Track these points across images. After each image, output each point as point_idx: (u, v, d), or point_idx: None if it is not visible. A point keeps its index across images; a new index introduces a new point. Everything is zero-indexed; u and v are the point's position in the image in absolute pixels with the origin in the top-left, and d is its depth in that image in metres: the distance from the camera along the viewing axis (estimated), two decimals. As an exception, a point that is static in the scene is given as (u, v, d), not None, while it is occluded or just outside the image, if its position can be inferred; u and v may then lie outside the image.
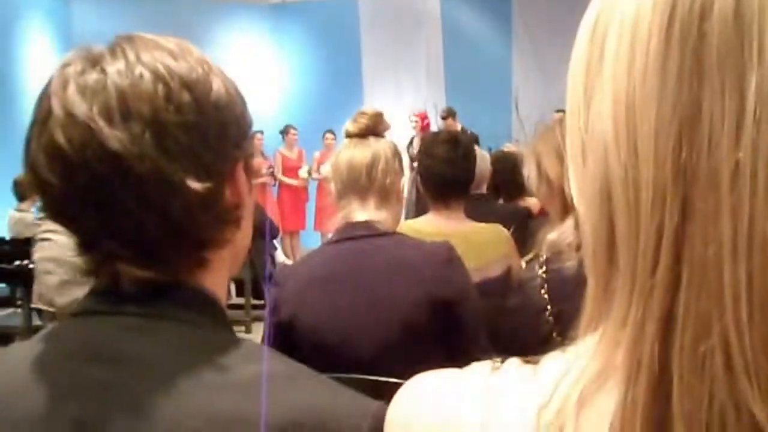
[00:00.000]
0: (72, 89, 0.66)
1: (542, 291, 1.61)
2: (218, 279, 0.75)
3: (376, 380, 1.37)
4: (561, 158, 1.66)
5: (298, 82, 10.34)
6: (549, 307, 1.59)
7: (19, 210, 6.15)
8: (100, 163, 0.63)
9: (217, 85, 0.71)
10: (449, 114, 7.90)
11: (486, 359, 0.53)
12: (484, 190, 3.12)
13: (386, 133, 1.80)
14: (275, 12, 10.66)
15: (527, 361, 0.50)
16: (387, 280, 1.61)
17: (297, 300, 1.61)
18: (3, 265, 4.55)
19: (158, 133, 0.65)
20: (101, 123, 0.63)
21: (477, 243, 2.25)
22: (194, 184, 0.66)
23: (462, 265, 1.68)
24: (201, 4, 10.07)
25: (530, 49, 9.65)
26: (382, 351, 1.55)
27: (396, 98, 8.79)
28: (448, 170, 2.29)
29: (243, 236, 0.78)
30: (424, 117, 7.84)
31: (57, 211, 0.69)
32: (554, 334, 1.55)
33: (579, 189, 0.48)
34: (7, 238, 6.01)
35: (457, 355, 1.74)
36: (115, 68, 0.67)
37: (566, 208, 1.64)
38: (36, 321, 4.12)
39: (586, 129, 0.46)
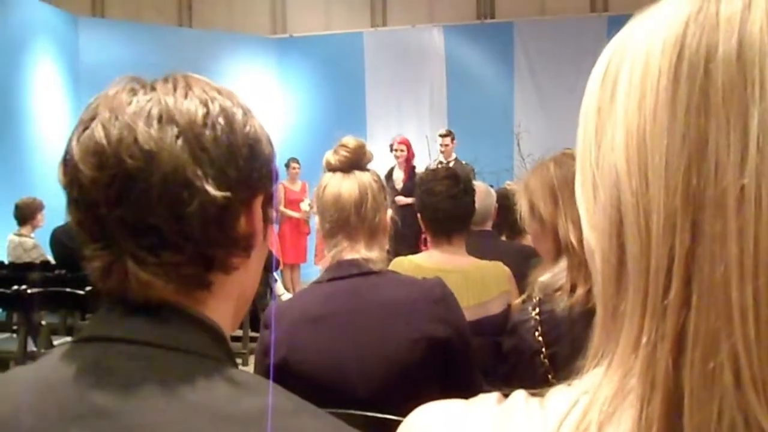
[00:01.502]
0: (121, 98, 0.72)
1: (536, 333, 1.60)
2: (221, 309, 0.76)
3: (375, 417, 1.36)
4: (555, 198, 1.65)
5: (302, 116, 10.40)
6: (543, 349, 1.58)
7: (19, 234, 6.17)
8: (131, 157, 0.68)
9: (252, 124, 0.76)
10: (448, 133, 7.47)
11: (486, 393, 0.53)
12: (489, 227, 3.10)
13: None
14: (281, 45, 10.77)
15: (533, 394, 0.51)
16: (381, 320, 1.58)
17: (289, 340, 1.57)
18: (1, 290, 4.52)
19: (190, 141, 0.70)
20: (140, 124, 0.69)
21: (477, 280, 2.25)
22: (213, 191, 0.70)
23: (455, 302, 1.67)
24: (207, 36, 10.19)
25: (532, 85, 9.73)
26: (377, 391, 1.53)
27: (399, 133, 8.85)
28: (450, 206, 2.32)
29: (249, 276, 0.80)
30: (408, 146, 7.28)
31: (82, 203, 0.71)
32: (550, 377, 1.54)
33: (590, 222, 0.50)
34: (6, 262, 6.02)
35: (452, 394, 1.76)
36: (164, 89, 0.73)
37: (558, 249, 1.64)
38: (32, 346, 4.11)
39: (597, 165, 0.48)
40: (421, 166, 9.19)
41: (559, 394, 0.49)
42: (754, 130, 0.41)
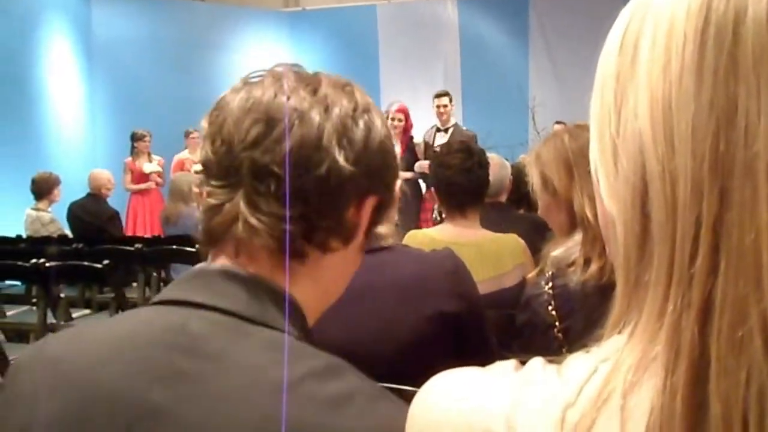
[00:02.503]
0: (288, 77, 0.78)
1: (549, 307, 1.59)
2: (309, 292, 0.78)
3: (392, 387, 1.37)
4: (570, 171, 1.62)
5: (315, 89, 10.36)
6: (557, 323, 1.58)
7: (36, 209, 6.20)
8: (281, 111, 0.73)
9: (388, 135, 0.82)
10: (445, 94, 6.80)
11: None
12: (503, 199, 3.10)
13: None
14: (293, 19, 10.71)
15: (550, 361, 0.51)
16: (393, 297, 1.56)
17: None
18: (20, 263, 4.56)
19: (335, 120, 0.75)
20: (301, 92, 0.75)
21: (492, 252, 2.26)
22: (343, 162, 0.74)
23: (467, 273, 1.65)
24: (219, 10, 10.13)
25: (547, 59, 9.63)
26: (393, 369, 1.49)
27: (413, 107, 8.79)
28: (464, 180, 2.32)
29: (340, 269, 0.83)
30: (407, 115, 6.68)
31: (219, 139, 0.75)
32: (564, 350, 1.53)
33: (611, 191, 0.48)
34: (24, 236, 6.06)
35: (469, 365, 1.75)
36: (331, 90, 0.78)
37: (572, 222, 1.61)
38: (51, 319, 4.16)
39: (618, 132, 0.47)
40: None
41: (577, 360, 0.49)
42: None
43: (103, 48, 9.23)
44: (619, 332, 0.47)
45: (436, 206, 4.43)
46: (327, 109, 0.74)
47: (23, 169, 6.72)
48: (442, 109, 6.64)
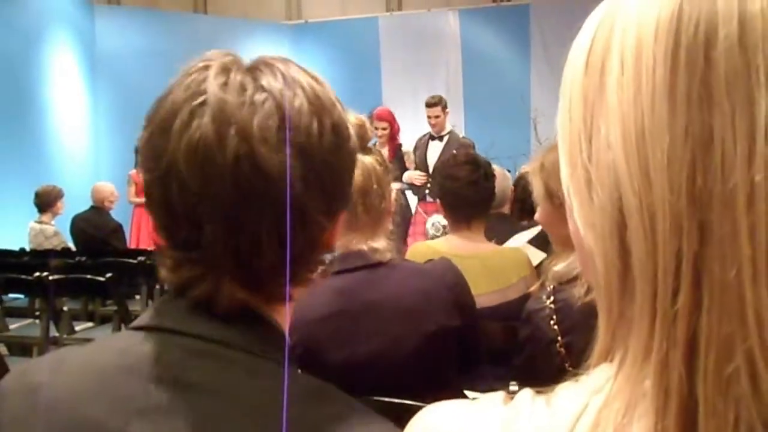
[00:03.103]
0: (231, 96, 0.66)
1: (551, 322, 1.58)
2: (283, 313, 0.75)
3: (391, 402, 1.35)
4: None
5: (317, 101, 10.40)
6: (559, 338, 1.56)
7: (40, 222, 6.21)
8: (249, 180, 0.64)
9: (352, 137, 0.75)
10: (438, 101, 5.85)
11: (498, 385, 0.53)
12: (506, 210, 3.10)
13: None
14: (296, 31, 10.76)
15: (539, 392, 0.49)
16: (395, 315, 1.52)
17: (303, 340, 1.47)
18: (23, 276, 4.57)
19: (306, 165, 0.67)
20: (260, 142, 0.64)
21: (497, 265, 2.25)
22: (323, 220, 0.70)
23: (467, 285, 1.63)
24: (222, 22, 10.19)
25: (548, 69, 9.65)
26: (396, 382, 1.48)
27: (415, 118, 8.80)
28: (471, 192, 2.32)
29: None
30: (391, 121, 5.96)
31: (179, 212, 0.67)
32: (567, 365, 1.53)
33: (586, 220, 0.47)
34: (28, 249, 6.07)
35: (465, 378, 1.73)
36: (275, 86, 0.68)
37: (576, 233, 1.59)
38: (53, 332, 4.17)
39: (591, 161, 0.46)
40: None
41: (566, 392, 0.48)
42: (762, 120, 0.39)
43: (106, 60, 9.28)
44: (610, 360, 0.47)
45: (429, 220, 4.33)
46: (295, 159, 0.67)
47: (27, 182, 6.75)
48: (433, 120, 5.85)
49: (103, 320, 4.65)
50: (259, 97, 0.66)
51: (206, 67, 0.69)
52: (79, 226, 6.16)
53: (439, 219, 3.90)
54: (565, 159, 0.49)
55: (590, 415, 0.44)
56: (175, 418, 0.63)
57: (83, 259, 5.07)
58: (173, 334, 0.68)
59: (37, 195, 6.19)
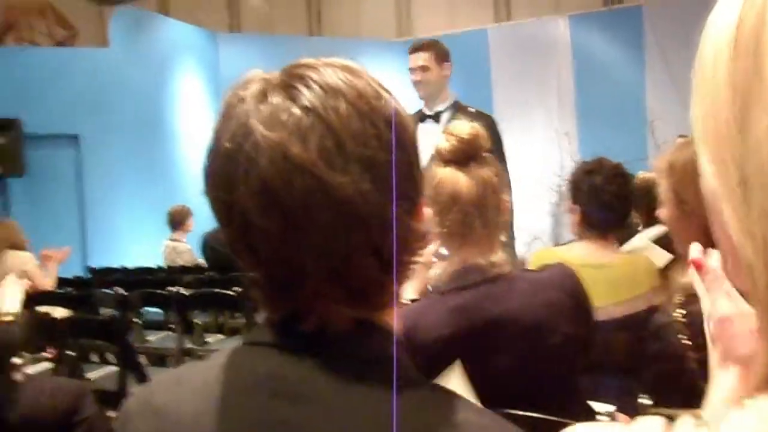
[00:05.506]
0: (279, 130, 0.64)
1: (681, 337, 1.49)
2: (393, 318, 0.72)
3: (535, 417, 1.29)
4: None
5: (428, 115, 10.47)
6: (691, 354, 1.46)
7: (173, 239, 6.54)
8: (324, 209, 0.62)
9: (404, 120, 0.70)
10: (429, 47, 3.55)
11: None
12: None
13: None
14: (407, 47, 10.87)
15: (698, 418, 0.44)
16: (521, 330, 1.44)
17: (426, 363, 1.30)
18: (158, 291, 4.78)
19: (374, 174, 0.64)
20: (324, 170, 0.62)
21: (624, 275, 2.16)
22: (405, 218, 0.67)
23: (585, 290, 1.54)
24: (335, 43, 10.44)
25: (665, 71, 9.27)
26: (523, 397, 1.40)
27: (527, 128, 8.69)
28: (618, 206, 2.24)
29: None
30: None
31: (266, 257, 0.66)
32: (700, 382, 1.45)
33: (742, 230, 0.40)
34: (162, 265, 6.41)
35: (589, 389, 1.68)
36: (317, 102, 0.65)
37: (707, 244, 1.40)
38: (187, 344, 4.42)
39: (746, 160, 0.39)
40: (553, 164, 9.00)
41: (736, 419, 0.41)
42: None
43: (229, 84, 9.68)
44: None
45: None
46: (362, 172, 0.65)
47: (159, 203, 7.17)
48: (418, 75, 3.45)
49: (232, 332, 4.80)
50: (307, 121, 0.63)
51: (242, 100, 0.68)
52: (209, 242, 6.30)
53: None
54: (708, 156, 0.42)
55: None
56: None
57: (213, 274, 5.27)
58: (288, 351, 0.67)
59: (169, 214, 6.53)
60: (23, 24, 8.94)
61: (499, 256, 1.51)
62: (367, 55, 11.08)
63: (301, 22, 11.62)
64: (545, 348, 1.45)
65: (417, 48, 3.51)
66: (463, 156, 1.46)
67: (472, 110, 3.46)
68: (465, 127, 1.48)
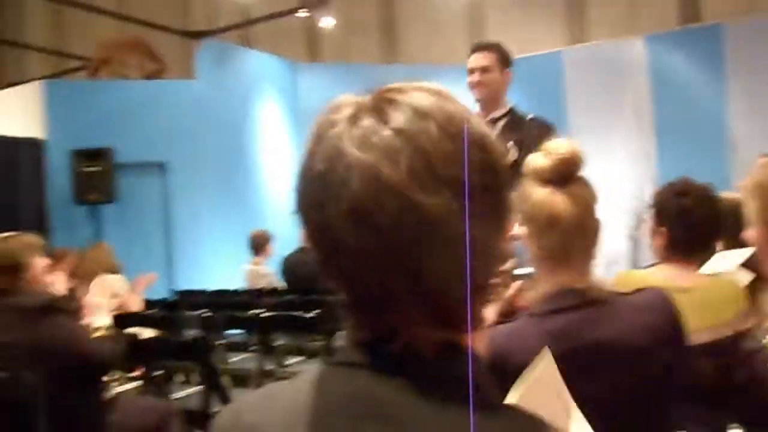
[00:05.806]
0: (371, 152, 0.64)
1: None
2: (479, 342, 0.71)
3: None
4: None
5: (503, 140, 10.43)
6: None
7: (254, 263, 6.68)
8: (414, 230, 0.62)
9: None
10: (492, 48, 3.30)
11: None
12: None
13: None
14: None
15: None
16: (622, 355, 1.40)
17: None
18: (239, 313, 4.93)
19: (460, 194, 0.64)
20: (416, 191, 0.62)
21: (711, 300, 2.07)
22: (494, 241, 0.67)
23: (681, 316, 1.47)
24: (410, 70, 10.52)
25: (746, 90, 8.96)
26: (617, 426, 1.32)
27: (603, 151, 8.54)
28: (710, 231, 2.18)
29: None
30: None
31: (358, 278, 0.66)
32: None
33: None
34: (243, 288, 6.55)
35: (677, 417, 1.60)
36: (408, 126, 0.65)
37: None
38: (268, 365, 4.53)
39: None
40: (631, 187, 8.83)
41: None
42: None
43: (307, 114, 9.82)
44: None
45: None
46: (450, 193, 0.65)
47: (241, 228, 7.38)
48: (477, 76, 3.22)
49: (311, 354, 4.87)
50: (398, 143, 0.64)
51: (334, 123, 0.68)
52: (289, 265, 6.45)
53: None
54: None
55: None
56: None
57: (293, 296, 5.36)
58: (377, 371, 0.66)
59: (251, 239, 6.67)
60: (116, 59, 9.44)
61: (594, 280, 1.47)
62: (441, 80, 11.03)
63: (376, 51, 11.83)
64: (644, 374, 1.41)
65: (481, 47, 3.32)
66: (560, 176, 1.42)
67: (531, 117, 3.28)
68: (565, 146, 1.44)
